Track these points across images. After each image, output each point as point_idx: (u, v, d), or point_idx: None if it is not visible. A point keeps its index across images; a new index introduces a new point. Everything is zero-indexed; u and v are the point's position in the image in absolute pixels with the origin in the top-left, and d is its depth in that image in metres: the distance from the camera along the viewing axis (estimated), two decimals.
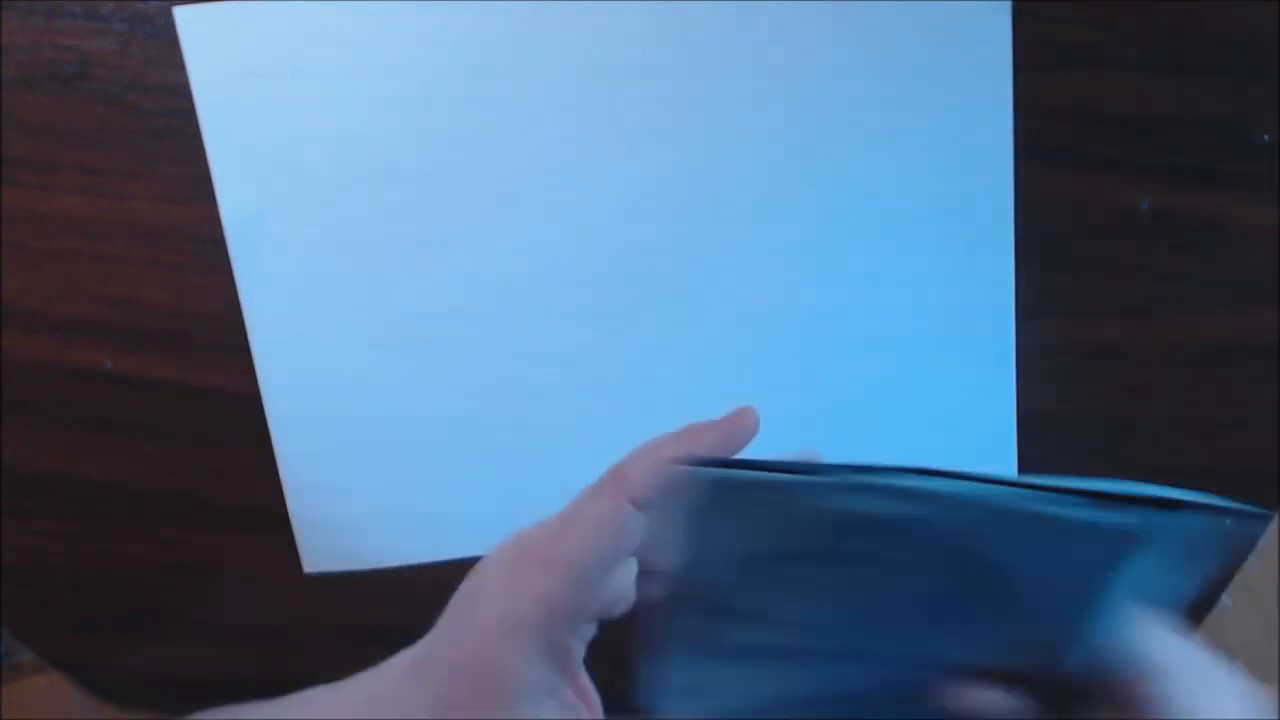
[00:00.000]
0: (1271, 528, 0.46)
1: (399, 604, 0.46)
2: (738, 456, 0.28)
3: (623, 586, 0.30)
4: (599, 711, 0.30)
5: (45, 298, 0.42)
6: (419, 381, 0.43)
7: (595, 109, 0.40)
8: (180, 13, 0.39)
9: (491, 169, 0.41)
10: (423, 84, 0.40)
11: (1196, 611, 0.47)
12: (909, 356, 0.43)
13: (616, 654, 0.28)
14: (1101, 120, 0.41)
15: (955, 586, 0.25)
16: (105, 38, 0.39)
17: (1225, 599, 0.49)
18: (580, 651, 0.29)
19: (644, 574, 0.30)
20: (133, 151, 0.40)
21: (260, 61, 0.39)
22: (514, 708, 0.27)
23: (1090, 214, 0.42)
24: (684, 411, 0.44)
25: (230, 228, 0.41)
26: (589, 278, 0.42)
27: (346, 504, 0.44)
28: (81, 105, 0.40)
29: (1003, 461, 0.44)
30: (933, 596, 0.26)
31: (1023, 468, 0.44)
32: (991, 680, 0.26)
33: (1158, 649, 0.24)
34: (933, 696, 0.27)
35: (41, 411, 0.43)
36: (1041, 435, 0.44)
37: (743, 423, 0.30)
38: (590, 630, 0.29)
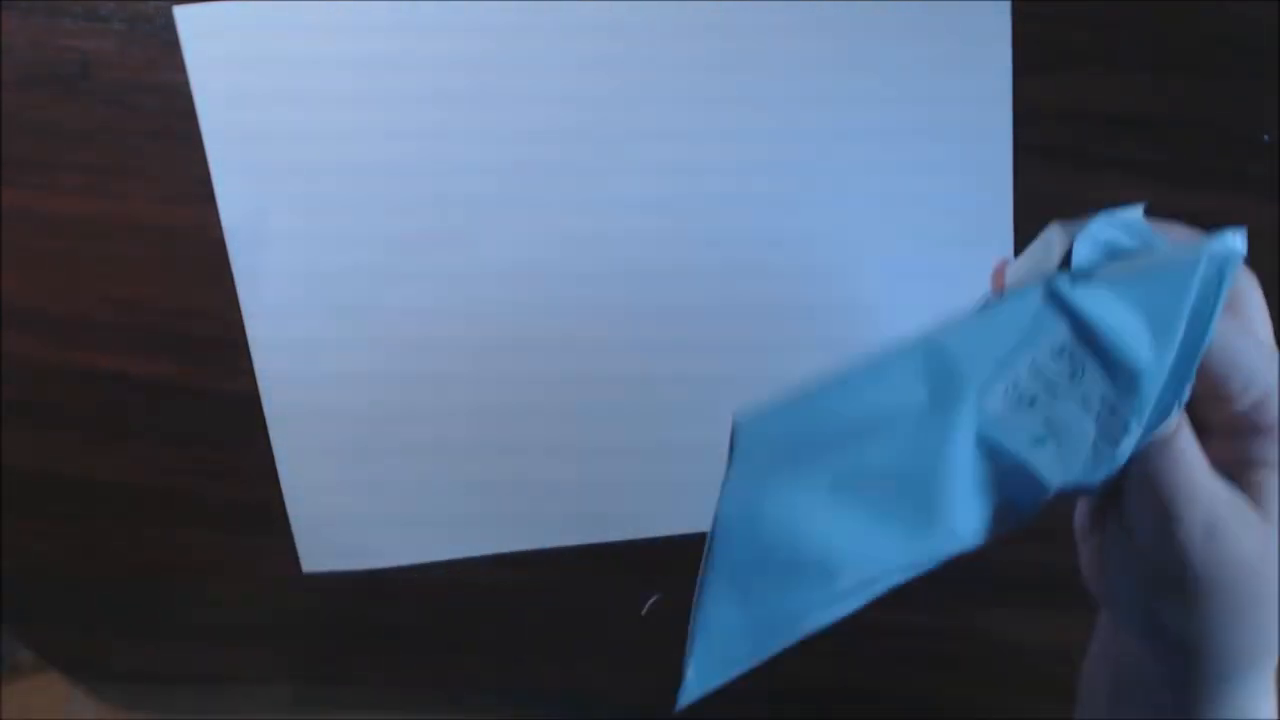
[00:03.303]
0: None
1: (398, 603, 0.46)
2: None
3: None
4: None
5: (45, 298, 0.42)
6: (419, 381, 0.43)
7: (597, 106, 0.40)
8: (180, 12, 0.39)
9: (492, 167, 0.41)
10: (423, 84, 0.40)
11: None
12: None
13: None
14: (1101, 120, 0.41)
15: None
16: (105, 38, 0.39)
17: None
18: None
19: None
20: (133, 151, 0.40)
21: (260, 61, 0.39)
22: None
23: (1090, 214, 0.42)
24: (683, 405, 0.44)
25: (230, 228, 0.41)
26: (592, 274, 0.42)
27: (345, 504, 0.44)
28: (82, 105, 0.40)
29: None
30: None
31: None
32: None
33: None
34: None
35: (41, 411, 0.43)
36: None
37: None
38: None
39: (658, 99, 0.40)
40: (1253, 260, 0.43)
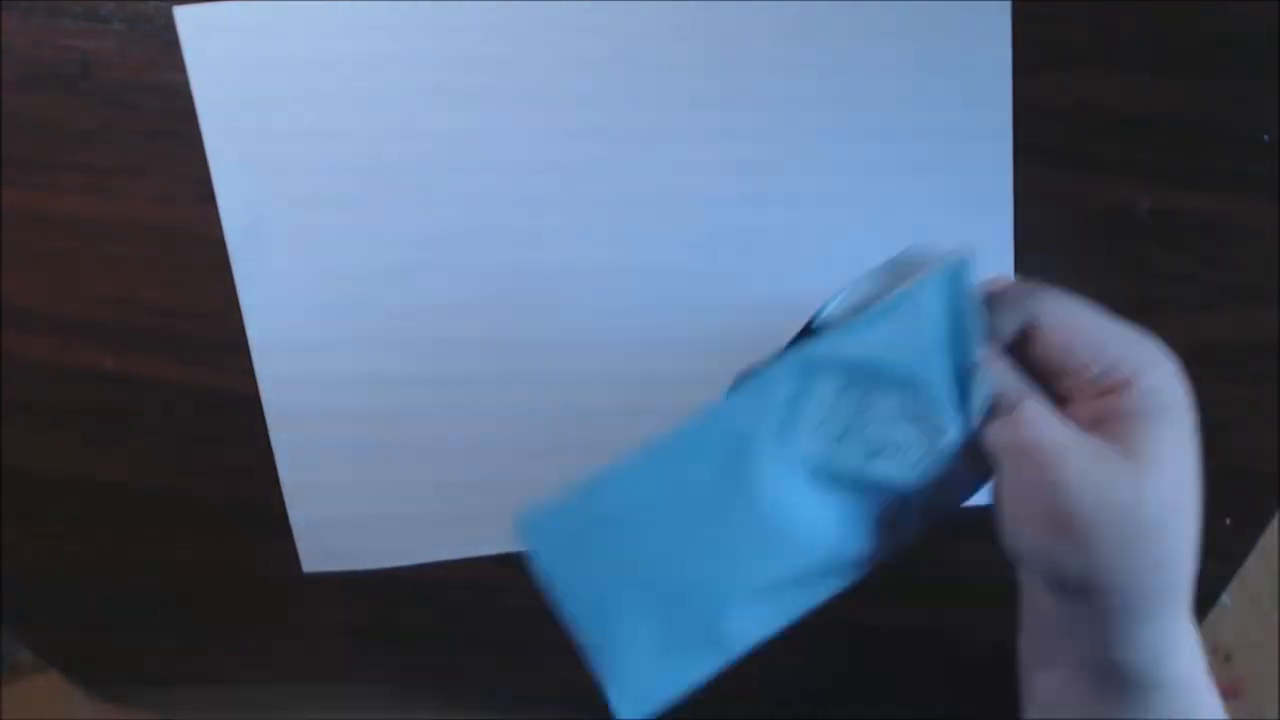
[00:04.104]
0: (1272, 528, 0.46)
1: (399, 604, 0.46)
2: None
3: None
4: None
5: (45, 298, 0.42)
6: (419, 381, 0.43)
7: (596, 105, 0.40)
8: (180, 12, 0.39)
9: (491, 167, 0.41)
10: (423, 84, 0.40)
11: (1196, 610, 0.47)
12: None
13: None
14: (1101, 120, 0.41)
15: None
16: (105, 38, 0.39)
17: (1225, 599, 0.49)
18: None
19: None
20: (133, 151, 0.40)
21: (260, 62, 0.39)
22: None
23: (1090, 214, 0.42)
24: (684, 405, 0.44)
25: (230, 228, 0.41)
26: (591, 273, 0.42)
27: (345, 504, 0.44)
28: (82, 105, 0.40)
29: None
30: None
31: None
32: None
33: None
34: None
35: (41, 411, 0.43)
36: None
37: None
38: None
39: (658, 99, 0.40)
40: (1253, 260, 0.43)
